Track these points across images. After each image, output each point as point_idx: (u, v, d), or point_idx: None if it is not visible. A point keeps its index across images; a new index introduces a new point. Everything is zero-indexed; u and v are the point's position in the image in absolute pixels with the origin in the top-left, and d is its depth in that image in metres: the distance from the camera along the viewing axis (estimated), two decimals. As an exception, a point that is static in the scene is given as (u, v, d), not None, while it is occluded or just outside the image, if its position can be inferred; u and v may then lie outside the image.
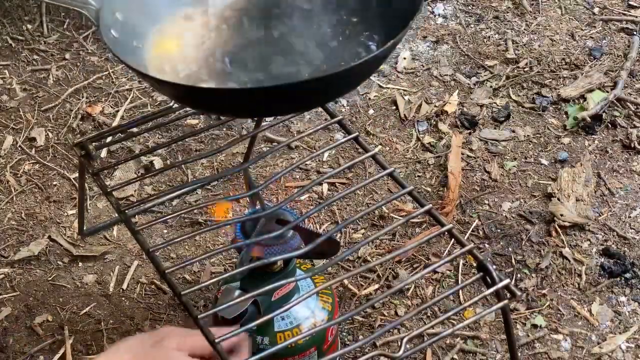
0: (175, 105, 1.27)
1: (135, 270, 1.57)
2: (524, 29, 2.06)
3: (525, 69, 1.96)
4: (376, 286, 1.53)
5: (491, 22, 2.09)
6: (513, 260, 1.57)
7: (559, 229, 1.61)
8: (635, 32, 2.04)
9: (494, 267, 1.53)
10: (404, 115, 1.86)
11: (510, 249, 1.59)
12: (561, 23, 2.08)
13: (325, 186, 1.71)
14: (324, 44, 1.11)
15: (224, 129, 1.81)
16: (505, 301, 1.08)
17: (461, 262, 1.56)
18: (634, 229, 1.62)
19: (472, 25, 2.08)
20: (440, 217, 1.14)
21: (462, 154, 1.76)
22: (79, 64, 1.99)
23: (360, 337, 1.45)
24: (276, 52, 1.11)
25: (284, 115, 1.42)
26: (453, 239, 1.25)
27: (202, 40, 1.13)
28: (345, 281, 1.53)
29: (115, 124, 1.82)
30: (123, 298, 1.53)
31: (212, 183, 1.69)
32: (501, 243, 1.60)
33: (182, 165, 1.73)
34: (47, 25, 2.07)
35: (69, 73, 1.96)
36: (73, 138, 1.81)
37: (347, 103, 1.90)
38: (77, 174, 1.69)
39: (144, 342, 1.06)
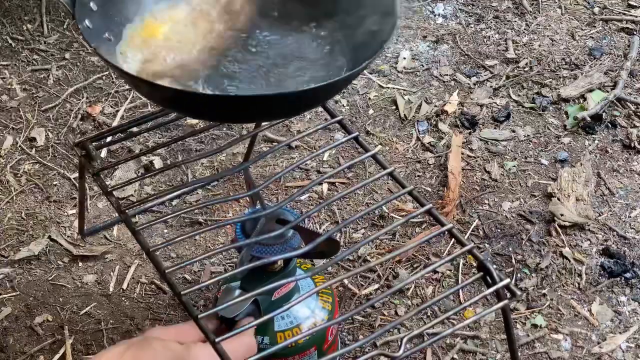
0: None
1: (135, 270, 1.57)
2: (524, 29, 2.06)
3: (526, 69, 1.96)
4: (376, 286, 1.53)
5: (491, 22, 2.09)
6: (513, 260, 1.57)
7: (559, 229, 1.61)
8: (635, 32, 2.04)
9: (494, 266, 1.53)
10: (404, 115, 1.86)
11: (510, 248, 1.59)
12: (561, 23, 2.08)
13: (325, 186, 1.71)
14: (299, 58, 1.12)
15: (224, 129, 1.81)
16: (506, 301, 1.08)
17: (461, 261, 1.56)
18: (634, 228, 1.62)
19: (472, 25, 2.08)
20: (441, 216, 1.14)
21: (462, 153, 1.76)
22: (79, 63, 1.99)
23: (360, 336, 1.45)
24: (248, 60, 1.11)
25: (250, 122, 1.43)
26: (453, 239, 1.25)
27: (176, 38, 1.13)
28: (346, 281, 1.53)
29: (115, 123, 1.82)
30: (123, 298, 1.53)
31: (212, 183, 1.69)
32: (501, 243, 1.60)
33: (182, 165, 1.73)
34: (47, 25, 2.07)
35: (69, 73, 1.96)
36: (73, 138, 1.81)
37: (347, 103, 1.90)
38: (77, 174, 1.69)
39: (131, 340, 1.07)
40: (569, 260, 1.57)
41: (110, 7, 1.11)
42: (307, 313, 1.27)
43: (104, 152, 1.77)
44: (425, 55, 2.01)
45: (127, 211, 1.16)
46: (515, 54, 1.99)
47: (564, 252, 1.58)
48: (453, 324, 1.46)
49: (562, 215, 1.61)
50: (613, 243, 1.60)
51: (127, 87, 1.92)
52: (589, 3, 2.13)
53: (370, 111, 1.87)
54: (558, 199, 1.64)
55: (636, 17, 2.08)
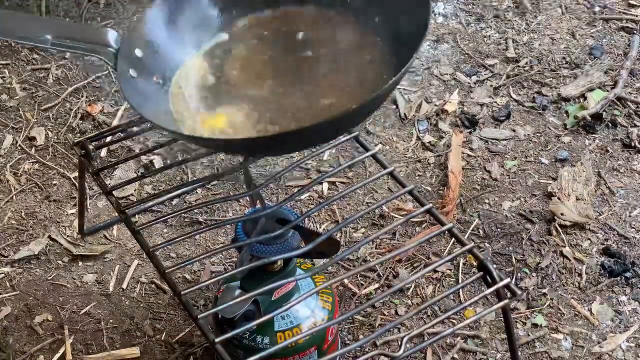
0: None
1: (135, 269, 1.57)
2: (525, 28, 2.06)
3: (526, 68, 1.96)
4: (376, 285, 1.53)
5: (491, 21, 2.09)
6: (513, 260, 1.57)
7: (559, 228, 1.61)
8: (635, 31, 2.03)
9: (494, 266, 1.53)
10: (404, 114, 1.86)
11: (510, 248, 1.59)
12: (561, 22, 2.08)
13: (325, 185, 1.71)
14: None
15: (224, 128, 1.81)
16: (506, 300, 1.08)
17: (461, 261, 1.56)
18: (634, 228, 1.62)
19: (472, 24, 2.08)
20: (441, 216, 1.14)
21: (463, 153, 1.76)
22: (78, 63, 1.98)
23: (361, 336, 1.45)
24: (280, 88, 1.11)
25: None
26: (453, 238, 1.25)
27: (223, 83, 1.13)
28: (346, 280, 1.53)
29: (115, 123, 1.82)
30: (123, 297, 1.53)
31: (212, 182, 1.69)
32: (501, 242, 1.60)
33: (182, 165, 1.73)
34: (47, 24, 2.07)
35: (68, 72, 1.96)
36: (73, 137, 1.80)
37: (347, 102, 1.89)
38: (77, 174, 1.68)
39: None
40: (569, 260, 1.57)
41: (159, 47, 1.10)
42: (307, 313, 1.27)
43: (103, 152, 1.77)
44: (425, 54, 2.01)
45: (127, 211, 1.16)
46: (516, 53, 1.99)
47: (564, 251, 1.58)
48: (453, 324, 1.46)
49: (562, 214, 1.61)
50: (613, 242, 1.60)
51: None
52: (589, 2, 2.13)
53: (371, 110, 1.87)
54: (558, 199, 1.64)
55: (636, 16, 2.08)
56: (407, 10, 1.08)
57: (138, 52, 1.09)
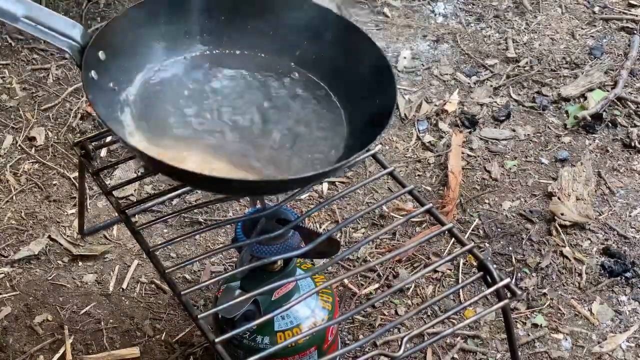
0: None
1: (135, 269, 1.57)
2: (525, 28, 2.06)
3: (526, 68, 1.96)
4: (376, 285, 1.53)
5: (491, 21, 2.09)
6: (513, 260, 1.57)
7: (559, 228, 1.61)
8: (635, 31, 2.03)
9: (494, 266, 1.53)
10: (405, 114, 1.86)
11: (510, 248, 1.59)
12: (561, 22, 2.08)
13: (325, 185, 1.71)
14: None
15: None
16: (506, 300, 1.08)
17: (461, 261, 1.56)
18: (634, 228, 1.62)
19: (472, 24, 2.08)
20: (441, 216, 1.14)
21: (463, 153, 1.76)
22: (78, 63, 1.98)
23: (361, 336, 1.45)
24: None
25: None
26: (453, 238, 1.25)
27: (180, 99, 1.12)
28: (346, 280, 1.53)
29: (115, 123, 1.82)
30: (123, 297, 1.53)
31: (212, 182, 1.69)
32: (501, 242, 1.60)
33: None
34: (47, 24, 2.07)
35: (68, 72, 1.96)
36: (73, 137, 1.80)
37: (347, 102, 1.89)
38: (77, 174, 1.68)
39: None
40: (570, 260, 1.57)
41: (119, 55, 1.11)
42: (307, 313, 1.27)
43: (103, 152, 1.77)
44: (425, 54, 2.01)
45: (127, 211, 1.16)
46: (516, 53, 1.99)
47: (564, 251, 1.58)
48: (453, 324, 1.46)
49: (562, 214, 1.61)
50: (613, 242, 1.60)
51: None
52: (589, 2, 2.13)
53: (371, 110, 1.87)
54: (558, 199, 1.64)
55: (636, 16, 2.08)
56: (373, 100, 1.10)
57: (101, 55, 1.09)
